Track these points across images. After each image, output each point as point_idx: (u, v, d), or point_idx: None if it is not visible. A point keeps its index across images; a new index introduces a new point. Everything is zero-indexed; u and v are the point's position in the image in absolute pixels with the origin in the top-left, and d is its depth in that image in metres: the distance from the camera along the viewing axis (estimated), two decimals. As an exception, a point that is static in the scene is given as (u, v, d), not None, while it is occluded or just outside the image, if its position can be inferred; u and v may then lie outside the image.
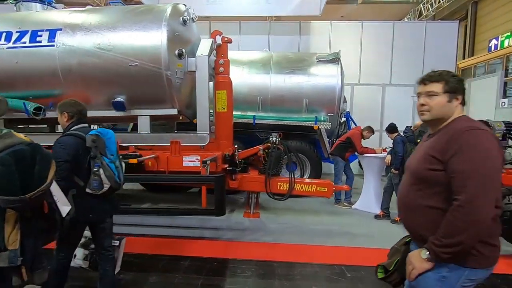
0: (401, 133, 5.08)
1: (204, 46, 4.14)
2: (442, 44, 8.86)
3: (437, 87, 1.36)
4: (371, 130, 5.45)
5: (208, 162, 3.50)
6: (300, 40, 9.12)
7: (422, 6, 18.54)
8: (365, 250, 3.61)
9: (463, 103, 1.39)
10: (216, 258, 3.28)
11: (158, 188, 6.29)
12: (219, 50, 4.40)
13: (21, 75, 3.89)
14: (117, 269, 2.54)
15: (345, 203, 5.53)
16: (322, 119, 6.03)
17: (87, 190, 2.11)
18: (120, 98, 3.94)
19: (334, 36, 9.05)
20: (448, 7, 17.99)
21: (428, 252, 1.26)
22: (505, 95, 13.19)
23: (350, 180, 5.61)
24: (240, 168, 4.48)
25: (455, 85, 1.35)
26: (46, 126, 5.04)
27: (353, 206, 5.44)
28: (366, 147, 5.37)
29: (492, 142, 1.23)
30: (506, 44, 12.88)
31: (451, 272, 1.27)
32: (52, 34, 3.78)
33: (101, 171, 2.10)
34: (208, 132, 4.11)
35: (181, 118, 4.26)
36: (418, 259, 1.29)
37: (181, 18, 3.97)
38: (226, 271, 3.04)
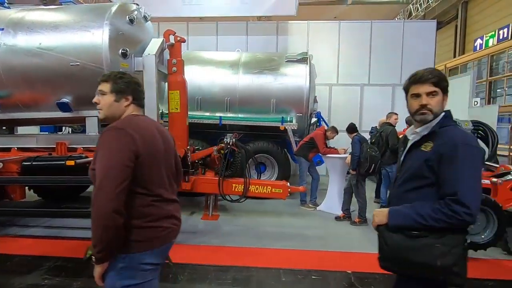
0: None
1: (153, 46, 4.07)
2: (420, 44, 8.77)
3: (106, 86, 1.45)
4: (335, 130, 5.37)
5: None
6: (278, 41, 9.05)
7: (411, 7, 18.57)
8: (309, 253, 3.52)
9: (137, 104, 1.50)
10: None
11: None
12: (172, 49, 4.34)
13: (-37, 76, 3.82)
14: None
15: (310, 205, 5.44)
16: (288, 119, 5.95)
17: None
18: (65, 99, 3.87)
19: (311, 36, 8.98)
20: (439, 7, 18.01)
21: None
22: (491, 95, 13.09)
23: (315, 181, 5.53)
24: (193, 170, 4.42)
25: (121, 86, 1.45)
26: (4, 128, 4.97)
27: (317, 208, 5.35)
28: (329, 148, 5.29)
29: (119, 141, 1.29)
30: (490, 43, 12.85)
31: (124, 262, 1.32)
32: (-6, 34, 3.71)
33: None
34: (156, 133, 4.03)
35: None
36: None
37: (127, 17, 3.90)
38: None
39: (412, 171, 1.40)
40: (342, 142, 6.18)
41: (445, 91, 1.42)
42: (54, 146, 4.07)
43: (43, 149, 4.16)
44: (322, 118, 6.82)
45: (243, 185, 4.33)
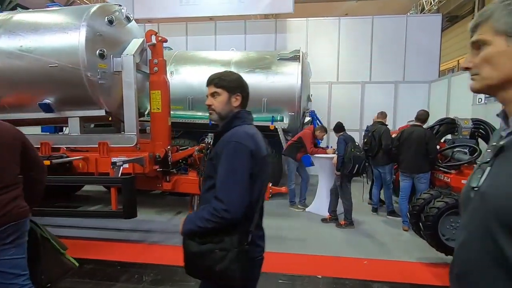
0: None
1: (132, 46, 4.09)
2: (424, 39, 8.43)
3: None
4: (323, 129, 5.23)
5: (118, 163, 3.43)
6: (277, 38, 8.95)
7: (424, 1, 17.91)
8: (283, 256, 3.43)
9: None
10: (121, 262, 3.20)
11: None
12: (154, 49, 4.34)
13: None
14: None
15: (299, 206, 5.32)
16: (278, 118, 5.85)
17: None
18: (47, 100, 3.94)
19: (310, 33, 8.82)
20: (454, 0, 17.26)
21: None
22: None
23: (304, 181, 5.40)
24: (174, 170, 4.41)
25: None
26: None
27: (307, 209, 5.23)
28: (317, 148, 5.15)
29: None
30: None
31: None
32: (-23, 37, 3.83)
33: None
34: (135, 133, 4.04)
35: (110, 119, 4.22)
36: None
37: (106, 18, 3.93)
38: (122, 276, 2.95)
39: (206, 170, 1.43)
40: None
41: (232, 91, 1.46)
42: (39, 146, 4.18)
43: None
44: (316, 117, 6.66)
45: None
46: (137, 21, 9.42)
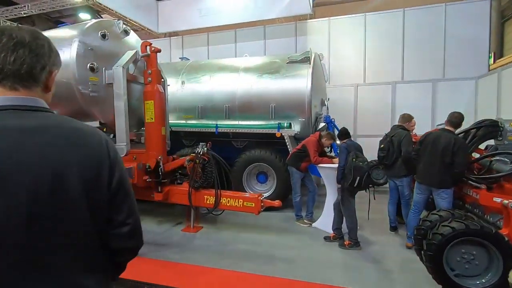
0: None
1: (124, 58, 4.16)
2: (469, 30, 7.29)
3: None
4: (330, 136, 4.71)
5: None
6: (297, 42, 8.57)
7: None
8: (257, 278, 3.06)
9: None
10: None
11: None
12: (148, 60, 4.38)
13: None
14: None
15: (305, 220, 4.85)
16: (285, 125, 5.47)
17: None
18: (49, 113, 4.20)
19: (333, 33, 8.25)
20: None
21: None
22: None
23: (312, 193, 4.91)
24: (166, 180, 4.34)
25: None
26: None
27: (313, 224, 4.74)
28: (323, 156, 4.66)
29: None
30: None
31: None
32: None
33: None
34: (125, 143, 4.07)
35: (104, 130, 4.31)
36: None
37: (99, 33, 4.06)
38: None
39: None
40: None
41: None
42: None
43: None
44: (332, 123, 6.10)
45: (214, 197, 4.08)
46: (162, 35, 9.79)
